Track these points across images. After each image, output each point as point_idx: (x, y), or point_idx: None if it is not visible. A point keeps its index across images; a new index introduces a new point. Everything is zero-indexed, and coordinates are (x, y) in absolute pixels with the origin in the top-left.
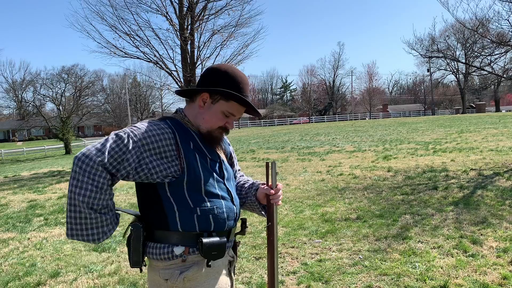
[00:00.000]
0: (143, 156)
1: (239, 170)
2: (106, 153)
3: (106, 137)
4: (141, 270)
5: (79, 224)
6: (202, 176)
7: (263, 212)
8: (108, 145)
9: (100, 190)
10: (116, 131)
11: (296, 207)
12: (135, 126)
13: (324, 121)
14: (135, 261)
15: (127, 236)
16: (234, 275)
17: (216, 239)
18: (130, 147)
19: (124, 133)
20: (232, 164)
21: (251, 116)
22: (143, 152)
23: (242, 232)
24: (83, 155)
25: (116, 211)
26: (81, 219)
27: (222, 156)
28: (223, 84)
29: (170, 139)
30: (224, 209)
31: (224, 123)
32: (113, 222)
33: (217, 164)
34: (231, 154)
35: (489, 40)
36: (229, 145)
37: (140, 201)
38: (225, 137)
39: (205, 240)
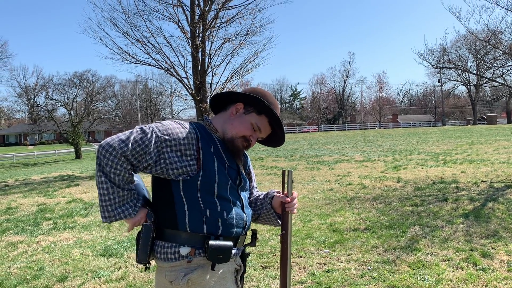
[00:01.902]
0: (163, 151)
1: (255, 187)
2: (130, 145)
3: (131, 130)
4: (146, 269)
5: (109, 206)
6: (216, 179)
7: (279, 221)
8: (132, 137)
9: (123, 177)
10: (141, 126)
11: (304, 216)
12: (160, 123)
13: (333, 130)
14: (141, 258)
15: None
16: (241, 285)
17: (223, 242)
18: (153, 142)
19: (149, 128)
20: (249, 179)
21: None
22: (164, 147)
23: (252, 243)
24: (107, 144)
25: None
26: (110, 200)
27: (241, 166)
28: (259, 99)
29: (192, 139)
30: (234, 215)
31: (249, 135)
32: (137, 196)
33: (234, 172)
34: (249, 169)
35: (501, 52)
36: (249, 161)
37: (154, 200)
38: (246, 153)
39: (211, 242)
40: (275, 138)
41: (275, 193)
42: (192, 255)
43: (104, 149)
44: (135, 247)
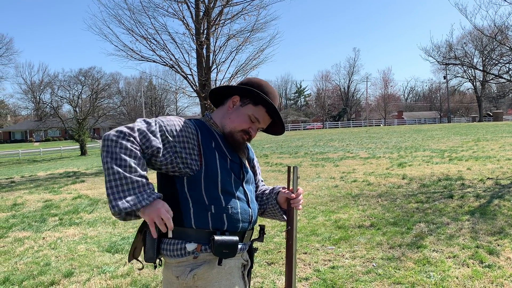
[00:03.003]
0: (168, 139)
1: (262, 181)
2: (136, 129)
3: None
4: (155, 267)
5: (118, 193)
6: (219, 174)
7: (284, 216)
8: (136, 124)
9: (134, 158)
10: (144, 118)
11: (309, 213)
12: (162, 117)
13: (338, 127)
14: (149, 257)
15: (139, 229)
16: (249, 280)
17: (228, 237)
18: (158, 130)
19: (151, 120)
20: (254, 173)
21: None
22: (168, 136)
23: (260, 238)
24: (113, 130)
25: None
26: (118, 187)
27: (244, 160)
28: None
29: (193, 134)
30: (239, 210)
31: (248, 127)
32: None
33: (237, 166)
34: (254, 162)
35: (508, 48)
36: (253, 154)
37: None
38: (250, 146)
39: (217, 237)
40: (275, 127)
41: (281, 189)
42: (199, 251)
43: (111, 135)
44: (142, 242)
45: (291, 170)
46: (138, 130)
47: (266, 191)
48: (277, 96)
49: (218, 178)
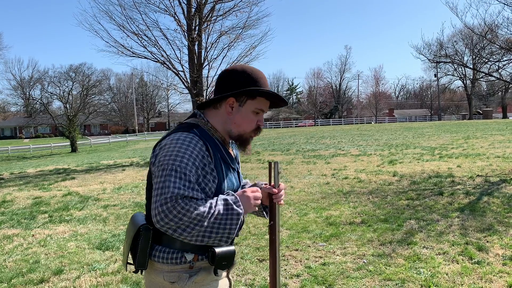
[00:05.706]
0: (198, 173)
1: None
2: (182, 186)
3: (165, 174)
4: (141, 272)
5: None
6: (225, 188)
7: (264, 213)
8: (173, 180)
9: (204, 210)
10: (171, 167)
11: (301, 209)
12: (176, 153)
13: (330, 124)
14: (141, 263)
15: (131, 235)
16: (232, 277)
17: (227, 249)
18: (194, 171)
19: (175, 164)
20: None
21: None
22: (198, 169)
23: (236, 234)
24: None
25: None
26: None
27: (239, 161)
28: (245, 84)
29: (206, 155)
30: None
31: (256, 122)
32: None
33: (237, 173)
34: (238, 159)
35: (497, 46)
36: (237, 150)
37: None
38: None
39: (217, 250)
40: (276, 104)
41: (263, 185)
42: (195, 260)
43: (166, 210)
44: (130, 248)
45: (272, 165)
46: (184, 183)
47: (246, 186)
48: (264, 75)
49: (224, 191)
